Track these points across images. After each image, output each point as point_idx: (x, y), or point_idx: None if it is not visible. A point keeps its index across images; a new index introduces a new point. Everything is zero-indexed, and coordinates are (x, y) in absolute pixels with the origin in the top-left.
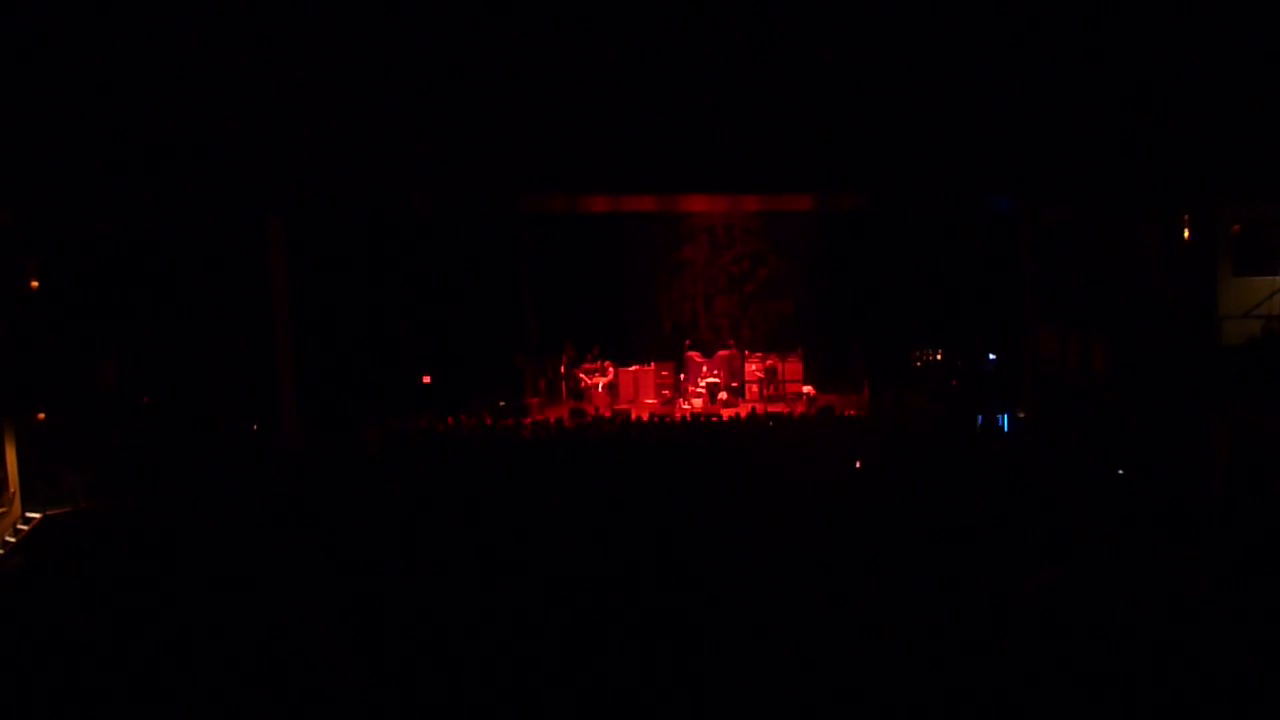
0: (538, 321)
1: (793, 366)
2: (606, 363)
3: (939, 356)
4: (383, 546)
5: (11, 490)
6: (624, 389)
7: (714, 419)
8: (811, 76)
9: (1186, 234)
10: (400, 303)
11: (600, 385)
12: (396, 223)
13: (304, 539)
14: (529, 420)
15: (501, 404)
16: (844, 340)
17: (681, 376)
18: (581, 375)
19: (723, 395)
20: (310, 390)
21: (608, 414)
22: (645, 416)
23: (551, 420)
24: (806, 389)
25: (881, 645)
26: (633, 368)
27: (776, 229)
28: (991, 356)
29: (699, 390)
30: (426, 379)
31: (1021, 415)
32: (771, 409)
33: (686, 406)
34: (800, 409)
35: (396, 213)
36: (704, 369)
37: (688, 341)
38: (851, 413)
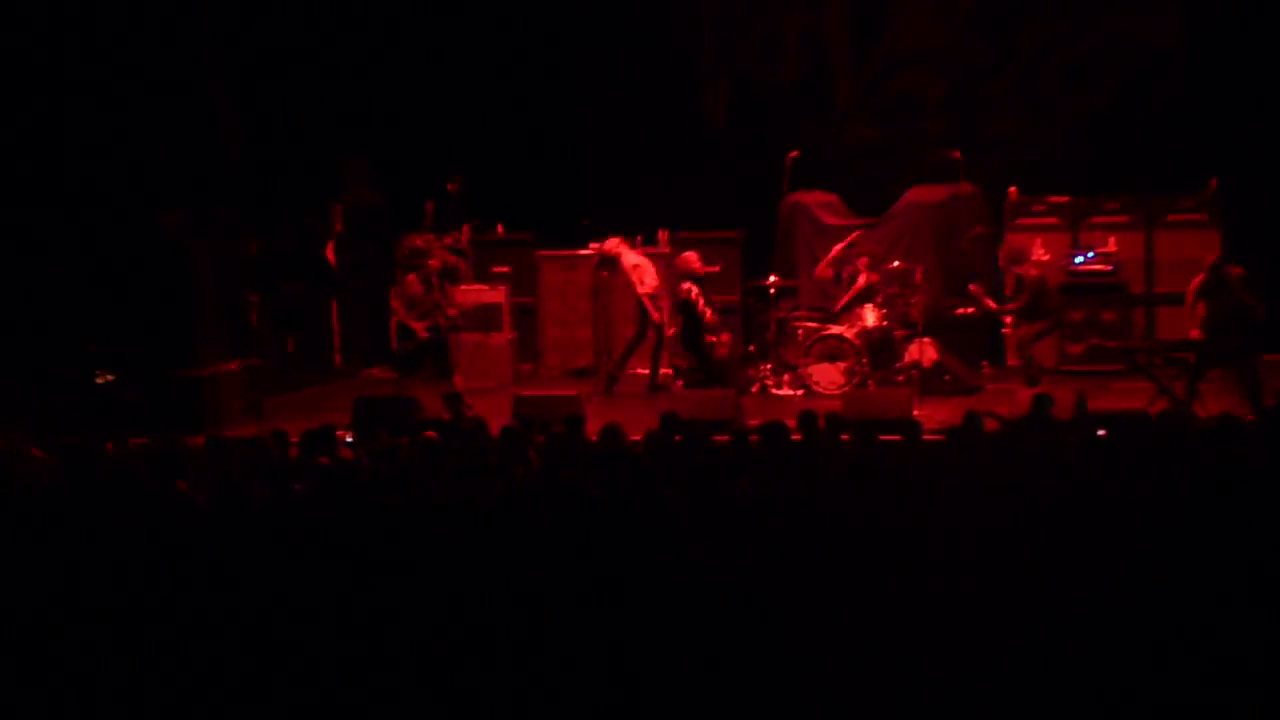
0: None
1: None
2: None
3: None
4: None
5: None
6: (572, 312)
7: (869, 441)
8: None
9: None
10: None
11: (456, 314)
12: None
13: None
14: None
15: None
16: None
17: (771, 290)
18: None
19: (915, 355)
20: None
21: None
22: (639, 433)
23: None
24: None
25: None
26: (609, 241)
27: None
28: None
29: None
30: None
31: None
32: (1091, 405)
33: (783, 390)
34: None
35: None
36: (846, 264)
37: (792, 158)
38: None
